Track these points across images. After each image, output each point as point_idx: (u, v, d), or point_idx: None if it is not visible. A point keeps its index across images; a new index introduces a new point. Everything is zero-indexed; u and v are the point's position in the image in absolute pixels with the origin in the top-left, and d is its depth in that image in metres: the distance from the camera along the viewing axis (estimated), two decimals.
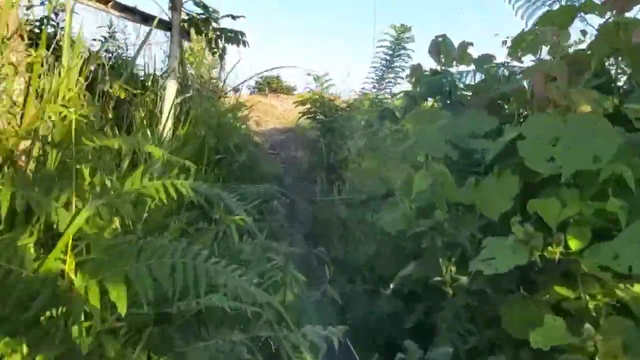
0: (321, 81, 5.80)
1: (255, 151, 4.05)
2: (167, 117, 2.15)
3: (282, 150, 7.98)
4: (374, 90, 6.19)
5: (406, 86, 6.44)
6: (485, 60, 2.50)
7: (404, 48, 5.95)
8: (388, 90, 6.27)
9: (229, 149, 3.06)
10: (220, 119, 2.96)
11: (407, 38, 5.85)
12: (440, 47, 2.64)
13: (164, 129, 2.21)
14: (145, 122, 2.34)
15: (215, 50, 3.14)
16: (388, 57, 6.01)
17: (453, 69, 2.63)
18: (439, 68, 2.71)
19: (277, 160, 7.16)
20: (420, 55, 6.60)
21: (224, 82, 7.75)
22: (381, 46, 5.98)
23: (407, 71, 6.17)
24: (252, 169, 3.40)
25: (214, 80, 6.14)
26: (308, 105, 6.17)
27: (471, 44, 2.50)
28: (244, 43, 2.92)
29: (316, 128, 6.19)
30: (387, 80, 6.15)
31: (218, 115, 2.68)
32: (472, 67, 2.70)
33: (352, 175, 5.17)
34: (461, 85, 2.64)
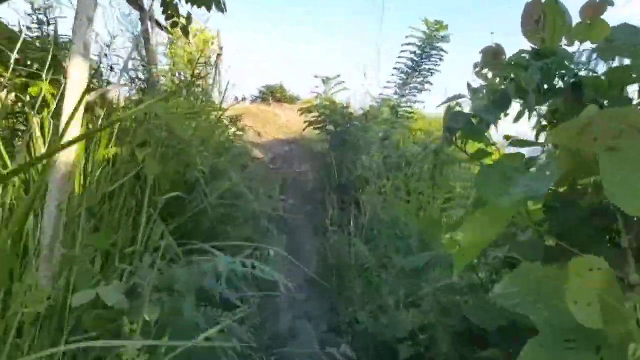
0: (331, 84, 4.77)
1: (242, 179, 2.96)
2: (68, 127, 1.12)
3: (284, 164, 6.94)
4: (395, 96, 5.16)
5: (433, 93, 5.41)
6: (631, 32, 1.44)
7: (436, 48, 4.92)
8: (412, 98, 5.23)
9: (200, 178, 1.95)
10: (180, 132, 1.91)
11: (442, 37, 4.83)
12: (543, 12, 1.59)
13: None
14: (39, 135, 1.30)
15: (176, 19, 2.12)
16: (416, 58, 4.98)
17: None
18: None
19: (277, 177, 6.13)
20: None
21: (215, 80, 6.77)
22: (408, 44, 4.97)
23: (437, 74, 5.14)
24: (236, 208, 2.26)
25: (201, 81, 5.15)
26: (315, 114, 5.13)
27: (611, 3, 1.45)
28: (219, 5, 1.91)
29: (325, 140, 5.13)
30: (412, 86, 5.12)
31: (170, 124, 1.60)
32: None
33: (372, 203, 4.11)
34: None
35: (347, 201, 4.66)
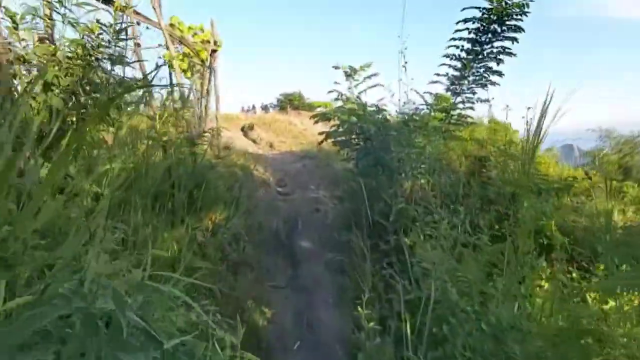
0: (357, 77, 3.29)
1: None
2: None
3: (296, 186, 5.47)
4: (448, 93, 3.64)
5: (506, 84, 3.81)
6: None
7: (506, 23, 3.39)
8: (472, 95, 3.69)
9: None
10: None
11: (517, 6, 3.28)
12: None
13: None
14: None
15: None
16: (478, 38, 3.46)
17: None
18: None
19: (287, 204, 4.66)
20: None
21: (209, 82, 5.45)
22: (465, 20, 3.45)
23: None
24: None
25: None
26: (336, 122, 3.62)
27: None
28: None
29: (351, 157, 3.63)
30: (473, 78, 3.59)
31: None
32: None
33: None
34: None
35: (384, 250, 3.16)
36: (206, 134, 3.38)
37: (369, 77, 3.20)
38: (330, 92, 3.41)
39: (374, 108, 3.08)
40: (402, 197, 3.43)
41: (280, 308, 3.05)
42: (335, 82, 3.31)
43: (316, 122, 3.86)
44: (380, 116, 3.11)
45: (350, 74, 3.23)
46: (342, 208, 3.97)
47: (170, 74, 5.00)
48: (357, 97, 3.15)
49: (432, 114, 3.33)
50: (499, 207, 3.36)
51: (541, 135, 4.35)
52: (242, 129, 14.02)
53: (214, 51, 5.62)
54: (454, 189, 3.48)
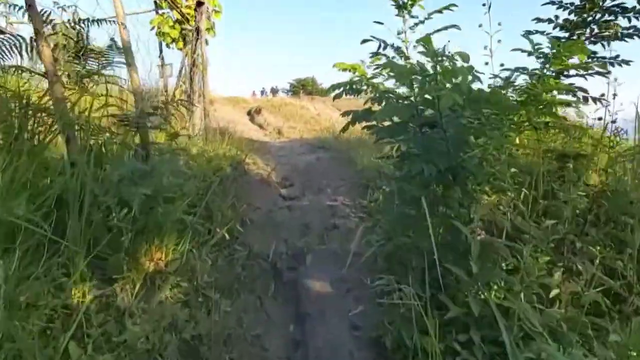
0: (416, 14, 1.84)
1: None
2: None
3: (307, 187, 4.06)
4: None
5: None
6: None
7: None
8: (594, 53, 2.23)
9: None
10: None
11: None
12: None
13: None
14: None
15: None
16: None
17: None
18: None
19: (292, 215, 3.27)
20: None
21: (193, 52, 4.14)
22: None
23: None
24: None
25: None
26: (368, 98, 2.20)
27: None
28: None
29: (395, 153, 2.22)
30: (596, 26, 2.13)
31: None
32: None
33: None
34: None
35: (458, 317, 1.79)
36: (158, 113, 2.02)
37: (439, 11, 1.79)
38: (364, 41, 1.98)
39: (459, 62, 1.62)
40: (480, 222, 2.03)
41: None
42: (377, 22, 1.89)
43: (336, 96, 2.44)
44: (470, 78, 1.66)
45: (404, 5, 1.81)
46: (374, 228, 2.58)
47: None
48: (420, 44, 1.72)
49: (545, 81, 1.90)
50: None
51: None
52: (249, 113, 12.65)
53: (199, 4, 4.18)
54: (571, 211, 2.07)
